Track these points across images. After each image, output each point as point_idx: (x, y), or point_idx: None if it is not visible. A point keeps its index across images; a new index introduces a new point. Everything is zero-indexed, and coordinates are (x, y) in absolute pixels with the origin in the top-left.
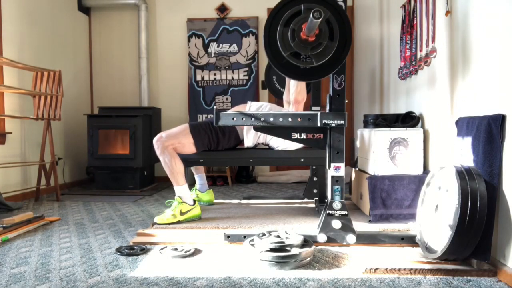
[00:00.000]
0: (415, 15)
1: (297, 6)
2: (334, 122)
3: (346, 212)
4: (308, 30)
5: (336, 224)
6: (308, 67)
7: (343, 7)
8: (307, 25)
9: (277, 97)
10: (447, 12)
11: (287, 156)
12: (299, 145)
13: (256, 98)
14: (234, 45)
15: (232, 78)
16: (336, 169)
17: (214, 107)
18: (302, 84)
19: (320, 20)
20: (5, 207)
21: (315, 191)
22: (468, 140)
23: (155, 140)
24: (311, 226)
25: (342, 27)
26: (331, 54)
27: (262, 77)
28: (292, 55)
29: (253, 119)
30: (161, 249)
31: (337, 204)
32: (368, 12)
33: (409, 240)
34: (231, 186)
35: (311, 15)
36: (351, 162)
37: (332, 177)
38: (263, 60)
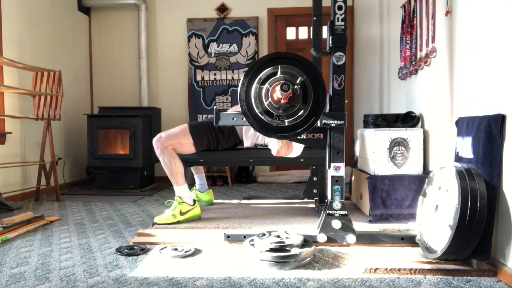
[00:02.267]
0: (415, 15)
1: (274, 66)
2: (334, 122)
3: (346, 212)
4: (280, 95)
5: (336, 224)
6: (280, 126)
7: (339, 5)
8: (276, 92)
9: None
10: (447, 12)
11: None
12: (297, 153)
13: None
14: (234, 45)
15: (232, 78)
16: (336, 169)
17: (214, 107)
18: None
19: (287, 93)
20: (5, 207)
21: (315, 191)
22: (468, 140)
23: (154, 140)
24: (311, 226)
25: (317, 91)
26: (304, 117)
27: None
28: (264, 112)
29: None
30: (161, 249)
31: (337, 204)
32: (368, 12)
33: (409, 240)
34: (231, 186)
35: (279, 87)
36: (351, 162)
37: (332, 177)
38: None
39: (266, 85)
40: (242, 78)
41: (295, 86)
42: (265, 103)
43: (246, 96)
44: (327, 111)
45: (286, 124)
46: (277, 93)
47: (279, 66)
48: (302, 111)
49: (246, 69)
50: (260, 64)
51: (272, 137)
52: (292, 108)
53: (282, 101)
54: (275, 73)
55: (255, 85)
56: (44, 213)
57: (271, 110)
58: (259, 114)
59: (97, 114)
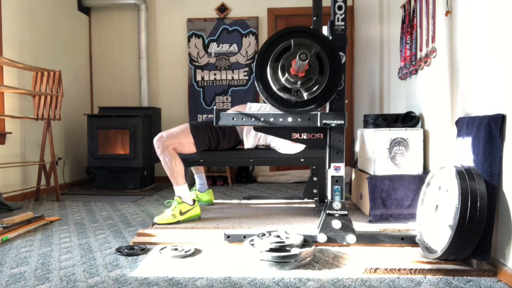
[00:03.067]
0: (415, 15)
1: (287, 41)
2: (334, 122)
3: (346, 212)
4: (297, 68)
5: (336, 224)
6: (299, 100)
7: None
8: (295, 64)
9: None
10: (447, 12)
11: (287, 156)
12: (301, 148)
13: (256, 98)
14: (234, 45)
15: (232, 78)
16: (336, 169)
17: (214, 107)
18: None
19: (306, 61)
20: (5, 207)
21: (315, 191)
22: (468, 140)
23: (155, 139)
24: (311, 226)
25: (332, 61)
26: (322, 88)
27: None
28: (282, 89)
29: (253, 119)
30: (161, 249)
31: (337, 204)
32: (368, 12)
33: (409, 240)
34: (231, 186)
35: (297, 57)
36: (351, 162)
37: (332, 177)
38: None
39: (281, 61)
40: (255, 59)
41: (310, 57)
42: (282, 80)
43: (261, 75)
44: (327, 111)
45: (305, 97)
46: (294, 67)
47: (292, 40)
48: (320, 83)
49: (246, 69)
50: (271, 41)
51: (293, 113)
52: (309, 81)
53: (299, 75)
54: (288, 48)
55: (269, 63)
56: (44, 213)
57: (288, 86)
58: (277, 92)
59: (97, 114)
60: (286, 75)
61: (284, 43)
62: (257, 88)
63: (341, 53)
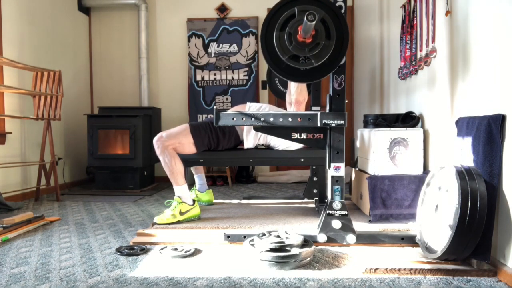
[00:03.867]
0: (415, 15)
1: (291, 9)
2: (334, 122)
3: (346, 212)
4: (304, 32)
5: (336, 224)
6: (309, 68)
7: (339, 5)
8: (302, 27)
9: (279, 98)
10: (447, 12)
11: (287, 156)
12: (299, 145)
13: (256, 98)
14: (234, 45)
15: (232, 78)
16: (336, 169)
17: (214, 107)
18: (303, 85)
19: (314, 22)
20: (5, 207)
21: (315, 191)
22: (468, 140)
23: (155, 140)
24: (311, 226)
25: (338, 25)
26: (330, 53)
27: (262, 77)
28: (291, 58)
29: (253, 119)
30: (161, 249)
31: (337, 204)
32: (368, 12)
33: (409, 240)
34: (231, 186)
35: (305, 18)
36: (351, 162)
37: (332, 177)
38: (263, 60)
39: (287, 29)
40: (260, 31)
41: (316, 22)
42: (290, 48)
43: (268, 48)
44: (327, 111)
45: (315, 64)
46: (300, 33)
47: (296, 8)
48: (328, 48)
49: (246, 69)
50: (275, 11)
51: (304, 81)
52: (317, 46)
53: (307, 41)
54: (293, 16)
55: (275, 33)
56: (44, 213)
57: (297, 54)
58: (286, 62)
59: (97, 114)
60: (294, 43)
61: (289, 11)
62: (265, 60)
63: None
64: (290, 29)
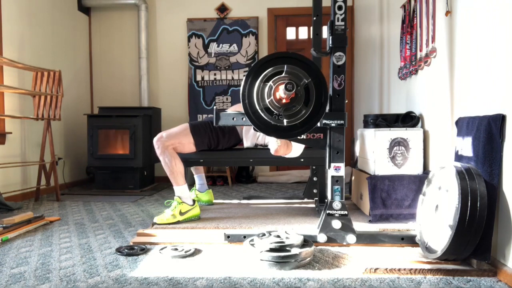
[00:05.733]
0: (415, 15)
1: (280, 65)
2: (334, 122)
3: (346, 212)
4: (283, 94)
5: (336, 224)
6: (278, 125)
7: (339, 5)
8: (278, 91)
9: None
10: (447, 12)
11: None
12: (299, 151)
13: None
14: (234, 45)
15: (232, 78)
16: (336, 169)
17: (214, 107)
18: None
19: (291, 93)
20: (5, 207)
21: (315, 191)
22: (468, 140)
23: (155, 139)
24: (311, 226)
25: (319, 94)
26: (303, 118)
27: None
28: (265, 110)
29: None
30: (161, 249)
31: (337, 204)
32: (368, 12)
33: (409, 240)
34: (231, 186)
35: (282, 86)
36: (351, 162)
37: (332, 177)
38: None
39: (270, 82)
40: (246, 74)
41: (299, 88)
42: (267, 101)
43: (248, 91)
44: (327, 111)
45: (285, 123)
46: (280, 92)
47: (285, 66)
48: (303, 112)
49: (246, 69)
50: (265, 62)
51: (270, 135)
52: (293, 108)
53: (284, 101)
54: (280, 72)
55: (258, 81)
56: (44, 213)
57: (271, 108)
58: (259, 111)
59: (97, 114)
60: (272, 97)
61: (278, 66)
62: (241, 102)
63: (341, 53)
64: (274, 83)
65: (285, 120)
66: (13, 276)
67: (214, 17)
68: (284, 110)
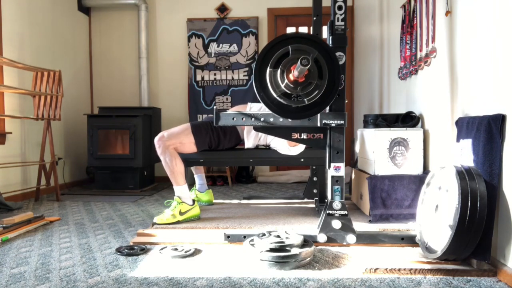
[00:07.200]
0: (415, 15)
1: (285, 47)
2: (334, 122)
3: (346, 212)
4: (298, 73)
5: (336, 224)
6: (300, 106)
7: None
8: (295, 69)
9: None
10: (447, 12)
11: (287, 156)
12: (301, 149)
13: (255, 98)
14: (234, 45)
15: (232, 78)
16: (336, 169)
17: (214, 107)
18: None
19: (308, 66)
20: (5, 207)
21: (315, 191)
22: (468, 140)
23: (156, 139)
24: (311, 226)
25: (331, 65)
26: (322, 92)
27: None
28: (283, 95)
29: (253, 119)
30: (161, 249)
31: (337, 204)
32: (368, 12)
33: (409, 240)
34: (231, 186)
35: (299, 62)
36: (351, 162)
37: (332, 177)
38: None
39: (280, 67)
40: (254, 66)
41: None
42: (282, 86)
43: (261, 83)
44: (327, 111)
45: (306, 102)
46: (293, 73)
47: (289, 47)
48: (320, 85)
49: (246, 69)
50: (268, 49)
51: (295, 118)
52: (309, 86)
53: (299, 80)
54: (286, 54)
55: (268, 70)
56: (44, 213)
57: (289, 92)
58: (277, 98)
59: (97, 114)
60: (286, 81)
61: (282, 49)
62: (257, 96)
63: (341, 53)
64: (284, 67)
65: (305, 99)
66: (13, 276)
67: (214, 17)
68: (302, 89)
